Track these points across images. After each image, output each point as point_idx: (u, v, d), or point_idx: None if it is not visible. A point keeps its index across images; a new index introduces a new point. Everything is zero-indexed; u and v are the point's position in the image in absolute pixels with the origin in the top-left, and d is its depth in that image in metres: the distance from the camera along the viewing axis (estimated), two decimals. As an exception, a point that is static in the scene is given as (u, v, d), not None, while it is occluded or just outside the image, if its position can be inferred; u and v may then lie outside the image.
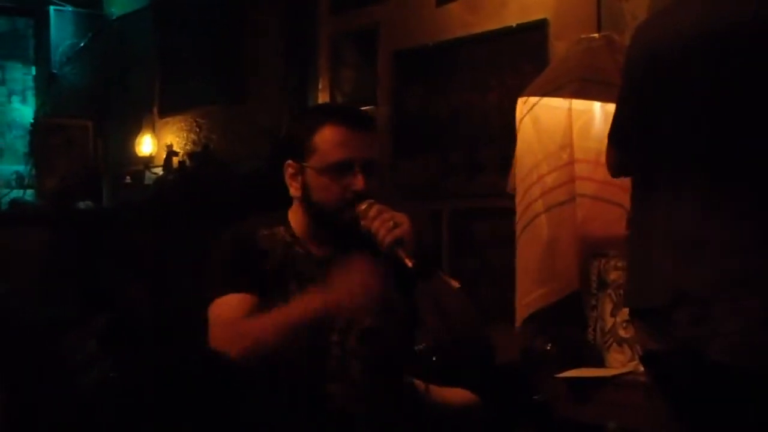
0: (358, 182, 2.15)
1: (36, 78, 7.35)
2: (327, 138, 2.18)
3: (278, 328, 2.04)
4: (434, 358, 2.44)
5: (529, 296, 3.23)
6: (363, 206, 2.13)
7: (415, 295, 2.21)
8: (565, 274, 3.22)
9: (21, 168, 7.28)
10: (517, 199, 3.25)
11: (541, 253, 3.20)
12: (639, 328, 2.10)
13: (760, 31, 1.88)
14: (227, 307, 2.15)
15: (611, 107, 2.31)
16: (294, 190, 2.24)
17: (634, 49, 2.15)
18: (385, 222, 2.10)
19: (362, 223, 2.13)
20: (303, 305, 2.06)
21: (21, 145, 7.34)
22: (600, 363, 3.26)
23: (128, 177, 6.63)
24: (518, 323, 3.27)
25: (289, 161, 2.24)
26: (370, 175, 2.17)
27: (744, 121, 1.90)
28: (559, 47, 3.88)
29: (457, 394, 2.68)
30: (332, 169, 2.16)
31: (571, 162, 3.10)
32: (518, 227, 3.23)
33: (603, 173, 3.15)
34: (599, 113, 3.15)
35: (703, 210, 1.92)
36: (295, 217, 2.29)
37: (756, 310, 1.82)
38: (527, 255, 3.22)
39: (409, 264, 2.06)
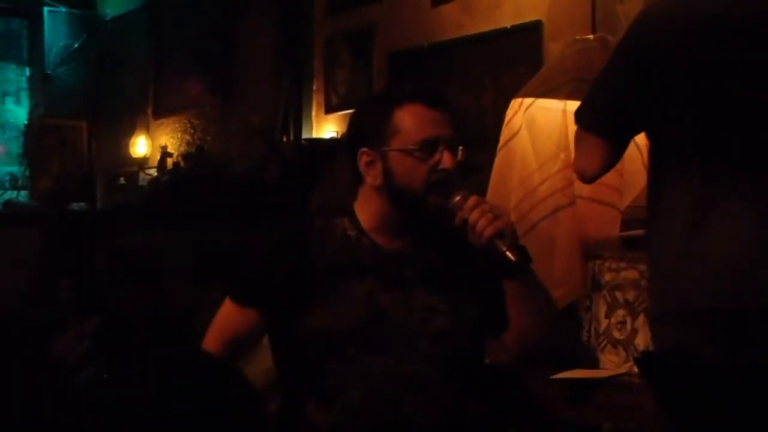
0: (446, 160, 2.05)
1: (30, 79, 7.34)
2: (409, 117, 2.08)
3: None
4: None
5: None
6: (458, 197, 2.02)
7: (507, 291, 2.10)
8: (571, 279, 3.17)
9: (15, 169, 7.26)
10: (511, 205, 3.19)
11: (545, 260, 3.13)
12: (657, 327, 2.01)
13: None
14: (223, 321, 2.17)
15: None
16: (372, 179, 2.11)
17: (652, 30, 1.98)
18: (485, 213, 1.99)
19: (459, 214, 2.02)
20: None
21: (15, 147, 7.32)
22: (594, 364, 3.26)
23: (122, 178, 6.63)
24: None
25: (364, 149, 2.11)
26: (454, 153, 2.08)
27: None
28: (553, 48, 3.89)
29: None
30: (418, 149, 2.06)
31: (569, 165, 3.09)
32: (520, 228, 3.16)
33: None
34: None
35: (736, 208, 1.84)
36: (364, 207, 2.17)
37: None
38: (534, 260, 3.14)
39: (512, 258, 1.98)
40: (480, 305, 2.14)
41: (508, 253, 1.98)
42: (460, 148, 2.11)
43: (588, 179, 2.22)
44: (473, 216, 2.00)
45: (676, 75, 1.92)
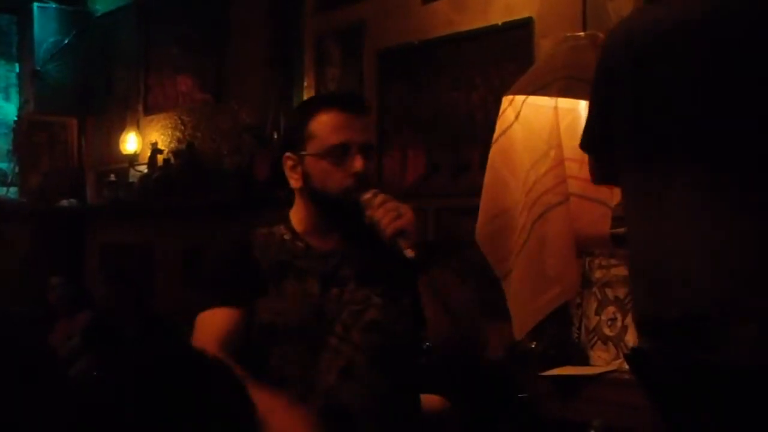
0: (357, 163, 2.14)
1: (19, 75, 7.31)
2: (323, 123, 2.17)
3: None
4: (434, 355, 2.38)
5: (532, 304, 3.13)
6: (368, 195, 2.12)
7: (419, 288, 2.17)
8: (567, 278, 3.15)
9: (4, 165, 7.24)
10: (508, 206, 3.17)
11: (540, 259, 3.12)
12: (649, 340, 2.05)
13: (742, 20, 1.89)
14: (209, 326, 2.16)
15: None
16: (294, 182, 2.23)
17: (607, 48, 2.17)
18: (389, 211, 2.08)
19: (367, 212, 2.11)
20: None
21: (4, 143, 7.30)
22: (584, 361, 3.26)
23: (112, 175, 6.61)
24: (521, 335, 3.20)
25: (287, 153, 2.24)
26: (368, 158, 2.17)
27: (731, 111, 1.90)
28: (544, 45, 3.88)
29: (431, 401, 2.68)
30: (330, 153, 2.15)
31: (561, 162, 3.09)
32: (519, 237, 3.14)
33: (588, 172, 3.16)
34: (585, 112, 3.15)
35: (715, 211, 1.89)
36: (296, 212, 2.28)
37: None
38: (527, 263, 3.11)
39: (410, 255, 2.05)
40: (410, 297, 2.22)
41: (407, 250, 2.06)
42: (373, 153, 2.22)
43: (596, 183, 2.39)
44: (378, 214, 2.09)
45: (619, 91, 2.08)
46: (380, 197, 2.11)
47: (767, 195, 1.86)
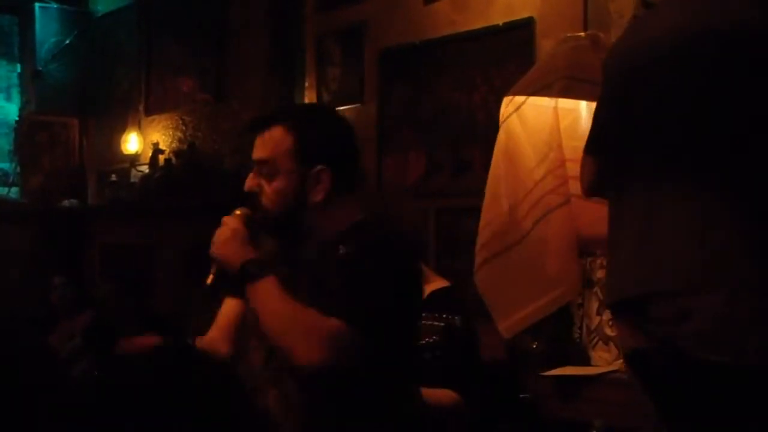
0: (247, 180, 2.22)
1: (21, 75, 7.31)
2: None
3: None
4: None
5: (531, 305, 3.10)
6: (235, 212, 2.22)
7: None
8: (568, 279, 3.13)
9: (6, 166, 7.24)
10: (505, 209, 3.16)
11: (541, 260, 3.11)
12: (616, 325, 2.13)
13: (730, 36, 1.93)
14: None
15: (597, 106, 2.32)
16: None
17: (611, 57, 2.22)
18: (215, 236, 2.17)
19: None
20: None
21: (5, 143, 7.30)
22: (586, 361, 3.27)
23: (113, 175, 6.61)
24: (510, 333, 3.17)
25: None
26: (263, 175, 2.20)
27: (712, 119, 1.95)
28: (545, 46, 3.89)
29: (441, 396, 2.68)
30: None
31: (563, 163, 3.08)
32: (514, 233, 3.14)
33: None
34: (585, 112, 3.15)
35: (669, 205, 1.96)
36: None
37: (719, 304, 1.83)
38: (526, 263, 3.10)
39: (206, 281, 2.14)
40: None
41: (209, 276, 2.16)
42: (268, 169, 2.21)
43: (585, 194, 2.39)
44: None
45: (604, 101, 2.22)
46: (224, 219, 2.20)
47: (762, 197, 1.89)
